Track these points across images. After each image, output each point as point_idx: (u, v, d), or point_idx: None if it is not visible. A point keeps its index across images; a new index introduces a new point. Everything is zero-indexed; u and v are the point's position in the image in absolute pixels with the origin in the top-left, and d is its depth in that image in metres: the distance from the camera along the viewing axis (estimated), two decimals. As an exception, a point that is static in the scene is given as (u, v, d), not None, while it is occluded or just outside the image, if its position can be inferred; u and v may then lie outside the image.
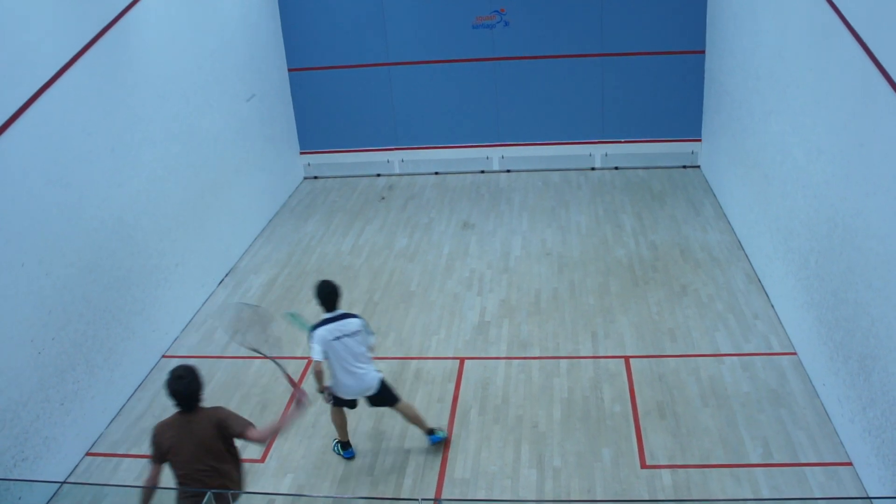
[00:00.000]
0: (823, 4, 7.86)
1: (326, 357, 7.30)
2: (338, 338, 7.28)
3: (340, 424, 7.83)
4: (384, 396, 7.62)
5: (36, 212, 7.56)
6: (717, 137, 13.11)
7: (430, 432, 7.89)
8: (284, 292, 11.04)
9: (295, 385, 6.48)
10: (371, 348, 7.58)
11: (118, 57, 9.07)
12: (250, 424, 5.98)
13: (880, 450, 6.67)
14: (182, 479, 5.90)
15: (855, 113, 7.22)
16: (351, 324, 7.35)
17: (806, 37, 8.58)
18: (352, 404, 7.75)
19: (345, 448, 7.90)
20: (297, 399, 6.35)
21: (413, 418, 7.82)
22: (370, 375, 7.47)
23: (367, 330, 7.50)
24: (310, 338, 7.32)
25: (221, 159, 11.61)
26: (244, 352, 9.61)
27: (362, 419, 8.35)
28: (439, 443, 7.90)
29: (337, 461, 7.81)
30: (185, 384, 5.81)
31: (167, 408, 8.66)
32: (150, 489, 5.92)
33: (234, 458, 6.09)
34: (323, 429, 8.27)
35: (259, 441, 6.12)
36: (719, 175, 12.97)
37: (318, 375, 7.34)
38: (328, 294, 7.41)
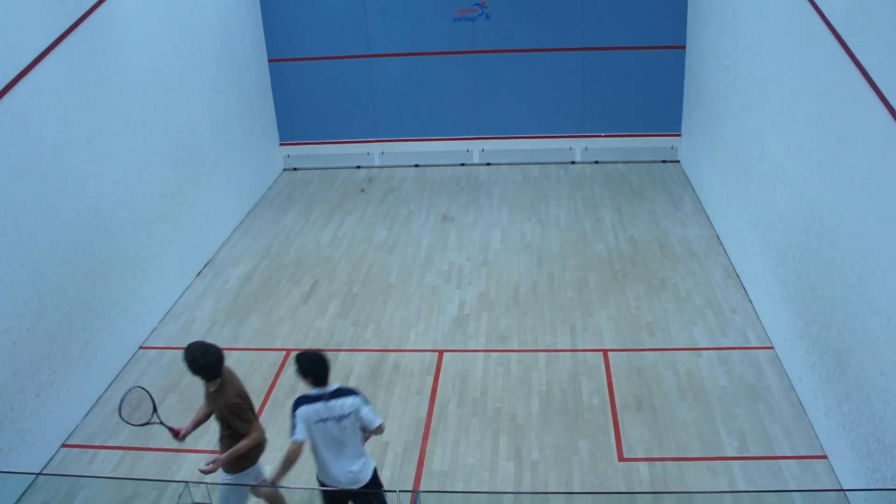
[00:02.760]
0: (803, 2, 7.90)
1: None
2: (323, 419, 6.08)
3: None
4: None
5: (11, 202, 7.48)
6: (696, 133, 13.16)
7: None
8: (263, 284, 11.00)
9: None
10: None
11: (96, 47, 8.98)
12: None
13: (854, 443, 6.74)
14: None
15: (833, 110, 7.27)
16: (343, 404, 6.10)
17: (785, 34, 8.63)
18: None
19: None
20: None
21: None
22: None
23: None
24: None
25: (200, 150, 11.54)
26: (222, 343, 9.58)
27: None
28: None
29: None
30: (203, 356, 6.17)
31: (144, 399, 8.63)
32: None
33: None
34: (301, 421, 8.25)
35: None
36: (698, 170, 13.03)
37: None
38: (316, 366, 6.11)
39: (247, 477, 6.27)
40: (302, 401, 6.08)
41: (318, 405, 6.02)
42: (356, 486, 6.19)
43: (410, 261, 11.45)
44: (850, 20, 6.95)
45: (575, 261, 11.20)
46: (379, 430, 6.24)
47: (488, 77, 14.43)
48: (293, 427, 6.04)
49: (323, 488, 6.25)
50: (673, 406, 8.19)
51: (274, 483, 6.20)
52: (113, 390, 8.90)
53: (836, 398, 7.14)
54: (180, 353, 9.43)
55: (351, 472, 6.13)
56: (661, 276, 10.63)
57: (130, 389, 6.37)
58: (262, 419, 8.33)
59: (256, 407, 8.46)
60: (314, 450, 6.14)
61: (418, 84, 14.58)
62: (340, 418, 6.02)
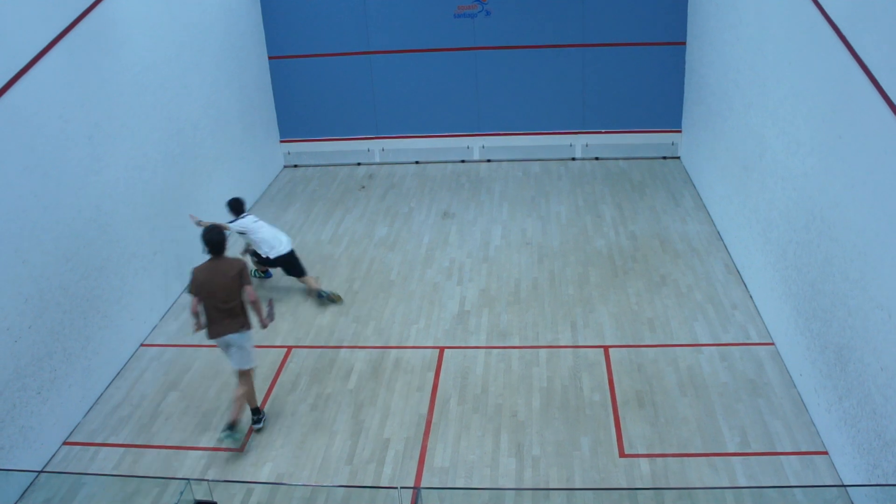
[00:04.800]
0: (803, -3, 7.90)
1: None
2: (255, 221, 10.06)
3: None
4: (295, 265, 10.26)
5: (12, 199, 7.48)
6: (697, 129, 13.16)
7: (319, 294, 10.23)
8: (262, 280, 11.00)
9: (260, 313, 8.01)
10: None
11: (96, 43, 8.98)
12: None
13: (855, 439, 6.75)
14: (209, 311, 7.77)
15: (834, 106, 7.27)
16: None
17: (786, 30, 8.62)
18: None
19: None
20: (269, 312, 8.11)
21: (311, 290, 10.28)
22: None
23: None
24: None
25: (201, 147, 11.54)
26: (223, 341, 9.63)
27: (341, 407, 8.36)
28: (323, 298, 10.25)
29: (316, 450, 7.81)
30: (216, 233, 7.80)
31: (146, 396, 8.70)
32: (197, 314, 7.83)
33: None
34: (302, 418, 8.27)
35: (252, 301, 7.78)
36: (699, 166, 13.02)
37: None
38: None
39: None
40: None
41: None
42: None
43: (411, 257, 11.45)
44: (851, 15, 6.94)
45: (575, 257, 11.20)
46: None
47: (489, 74, 14.42)
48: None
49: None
50: (674, 402, 8.20)
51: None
52: (114, 388, 8.92)
53: (837, 394, 7.15)
54: (181, 350, 9.52)
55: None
56: (662, 273, 10.63)
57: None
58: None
59: (259, 402, 8.48)
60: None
61: (419, 81, 14.57)
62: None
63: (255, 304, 7.80)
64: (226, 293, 7.67)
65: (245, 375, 7.97)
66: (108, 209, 9.08)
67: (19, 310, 7.54)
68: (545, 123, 14.68)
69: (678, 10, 13.56)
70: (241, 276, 7.73)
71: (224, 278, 7.65)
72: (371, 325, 9.84)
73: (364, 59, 14.45)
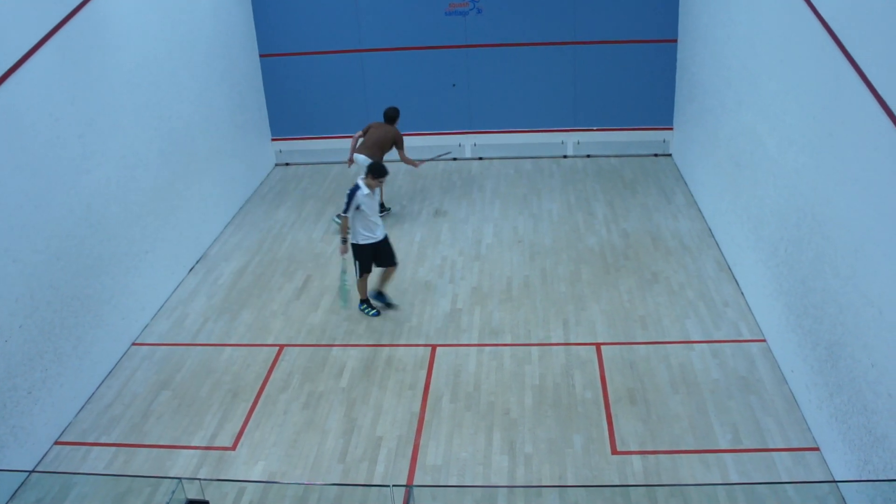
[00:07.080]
0: (794, -6, 7.92)
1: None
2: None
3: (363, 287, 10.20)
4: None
5: (3, 198, 7.44)
6: (688, 126, 13.18)
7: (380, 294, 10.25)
8: (255, 279, 10.99)
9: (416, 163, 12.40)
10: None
11: (87, 42, 8.94)
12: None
13: (846, 435, 6.77)
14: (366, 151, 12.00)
15: (825, 103, 7.28)
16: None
17: (777, 27, 8.64)
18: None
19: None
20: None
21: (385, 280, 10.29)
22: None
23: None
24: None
25: (192, 146, 11.51)
26: (214, 339, 9.65)
27: (334, 406, 8.36)
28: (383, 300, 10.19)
29: (308, 449, 7.80)
30: (392, 110, 12.14)
31: (137, 395, 8.69)
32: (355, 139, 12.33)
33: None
34: (294, 416, 8.26)
35: (404, 160, 12.30)
36: (691, 163, 13.05)
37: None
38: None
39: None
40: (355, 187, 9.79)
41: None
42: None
43: (403, 255, 11.44)
44: (842, 13, 6.96)
45: (567, 254, 11.21)
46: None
47: (480, 71, 14.42)
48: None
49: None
50: (666, 399, 8.21)
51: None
52: (106, 387, 8.89)
53: (828, 390, 7.17)
54: (173, 349, 9.50)
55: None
56: (654, 270, 10.65)
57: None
58: (256, 414, 8.35)
59: (250, 402, 8.47)
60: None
61: (410, 79, 14.56)
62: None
63: (406, 161, 12.26)
64: (379, 144, 11.96)
65: None
66: (99, 208, 9.05)
67: (10, 309, 7.51)
68: (537, 121, 14.68)
69: (669, 8, 13.58)
70: (394, 141, 12.03)
71: (384, 136, 12.02)
72: (363, 323, 9.84)
73: (355, 56, 14.43)
